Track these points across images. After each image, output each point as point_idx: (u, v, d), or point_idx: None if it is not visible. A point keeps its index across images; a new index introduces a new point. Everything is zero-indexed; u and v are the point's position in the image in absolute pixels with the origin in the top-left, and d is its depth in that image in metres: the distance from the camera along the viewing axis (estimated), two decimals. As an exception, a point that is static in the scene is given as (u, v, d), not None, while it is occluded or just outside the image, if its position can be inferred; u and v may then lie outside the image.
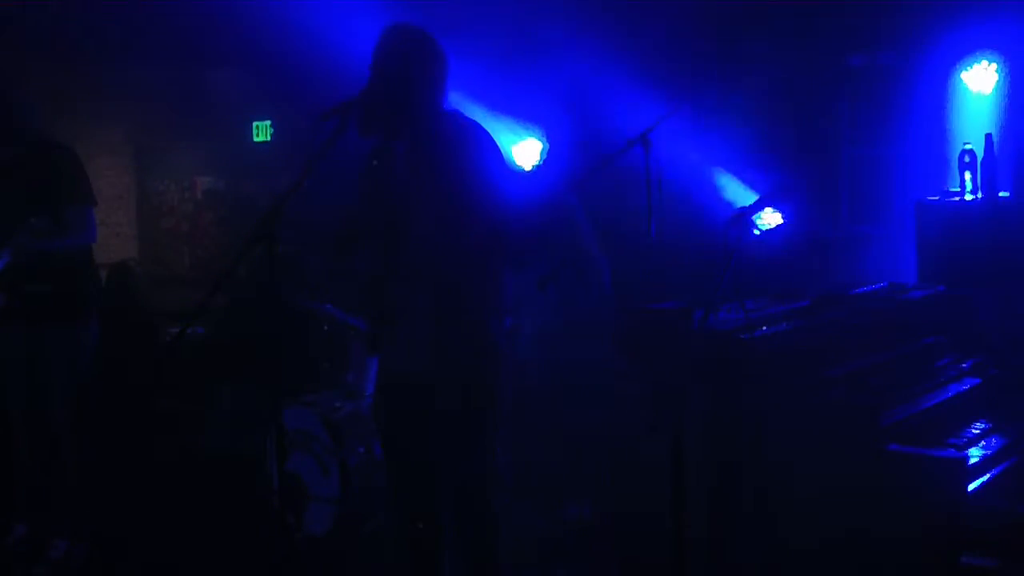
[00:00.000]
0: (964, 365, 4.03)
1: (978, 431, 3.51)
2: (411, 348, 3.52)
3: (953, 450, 3.27)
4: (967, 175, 5.36)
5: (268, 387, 2.89)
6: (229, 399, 5.93)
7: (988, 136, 5.30)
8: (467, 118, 3.60)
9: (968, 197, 5.34)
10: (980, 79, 5.65)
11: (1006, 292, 4.69)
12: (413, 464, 3.65)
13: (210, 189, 8.25)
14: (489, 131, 3.57)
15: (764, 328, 3.67)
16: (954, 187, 5.46)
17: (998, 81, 5.62)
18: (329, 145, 2.93)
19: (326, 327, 5.44)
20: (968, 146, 5.37)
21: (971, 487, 3.21)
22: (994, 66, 5.62)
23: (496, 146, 3.58)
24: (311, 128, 2.98)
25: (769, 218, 5.51)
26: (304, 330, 5.48)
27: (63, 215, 4.47)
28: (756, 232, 5.57)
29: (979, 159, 5.31)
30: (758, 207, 3.46)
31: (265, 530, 4.95)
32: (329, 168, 2.98)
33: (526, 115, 6.73)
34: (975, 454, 3.33)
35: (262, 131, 8.12)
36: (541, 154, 6.86)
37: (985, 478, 3.30)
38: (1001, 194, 5.28)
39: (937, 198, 5.50)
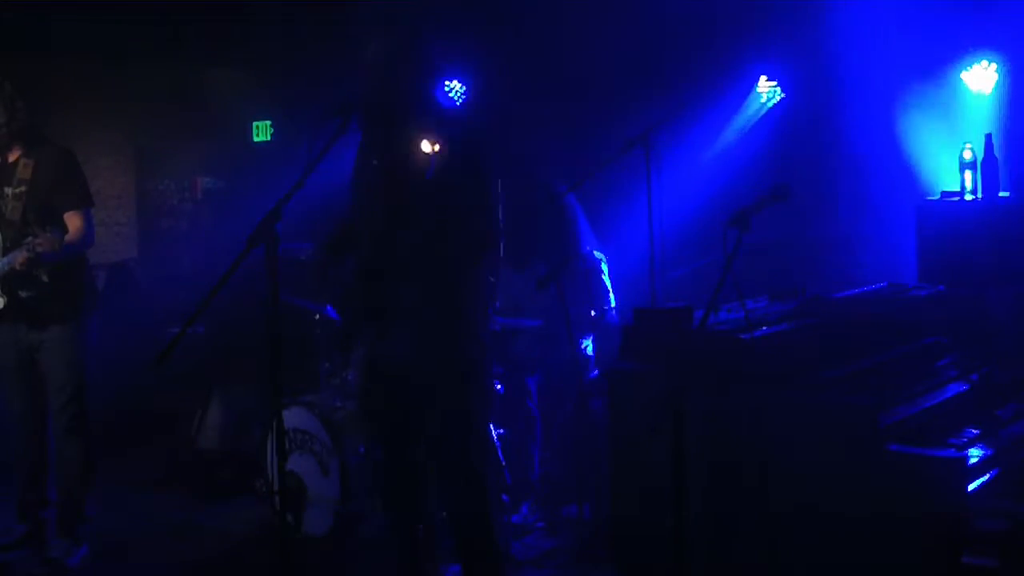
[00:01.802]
0: (964, 365, 4.03)
1: (978, 431, 3.50)
2: (402, 340, 3.53)
3: (953, 450, 3.27)
4: (967, 175, 5.36)
5: (268, 387, 2.87)
6: (229, 399, 5.92)
7: (988, 136, 5.29)
8: (464, 117, 3.61)
9: (968, 197, 5.34)
10: (980, 78, 5.65)
11: (1007, 292, 4.68)
12: (401, 447, 3.67)
13: (210, 189, 8.24)
14: (486, 131, 3.58)
15: (764, 328, 3.67)
16: (954, 187, 5.46)
17: (998, 81, 5.62)
18: (330, 145, 2.94)
19: (327, 328, 5.44)
20: (968, 146, 5.37)
21: (971, 487, 3.21)
22: (994, 66, 5.62)
23: (492, 146, 3.59)
24: (311, 128, 2.98)
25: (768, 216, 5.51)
26: (304, 330, 5.48)
27: (62, 219, 4.48)
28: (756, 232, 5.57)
29: (979, 159, 5.30)
30: (758, 207, 3.45)
31: (265, 530, 4.95)
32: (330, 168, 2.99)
33: (527, 115, 6.73)
34: (975, 454, 3.32)
35: (262, 131, 8.11)
36: (541, 154, 6.86)
37: (985, 478, 3.30)
38: (1001, 194, 5.27)
39: (937, 198, 5.50)
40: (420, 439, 3.65)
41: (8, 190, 4.46)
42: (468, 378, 3.60)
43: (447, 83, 6.85)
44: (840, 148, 6.08)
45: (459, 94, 6.93)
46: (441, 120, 3.56)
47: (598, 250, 5.44)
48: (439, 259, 3.49)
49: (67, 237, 4.44)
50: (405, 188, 3.52)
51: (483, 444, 3.75)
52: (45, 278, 4.43)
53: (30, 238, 4.26)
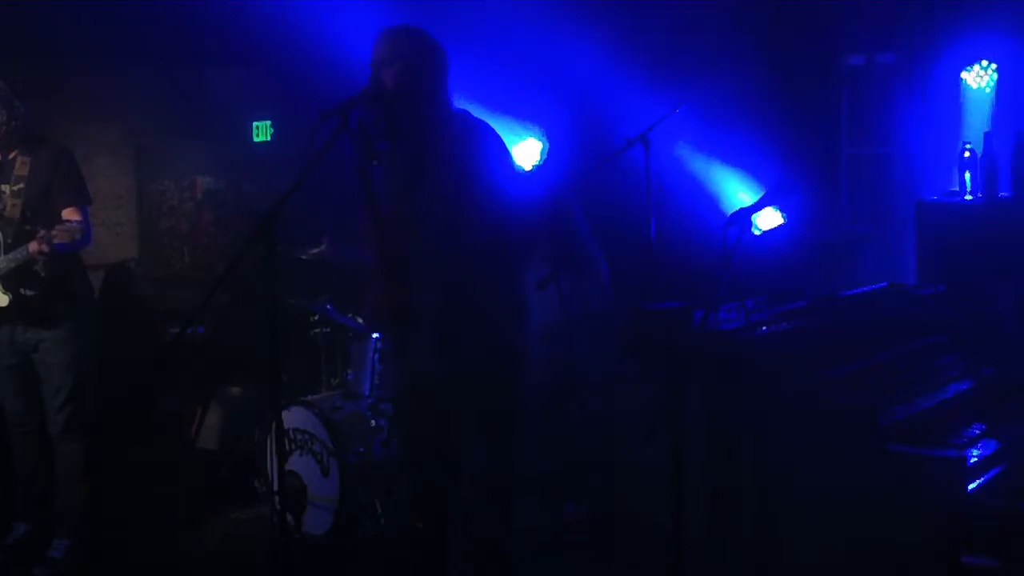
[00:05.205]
0: (964, 365, 4.03)
1: (978, 431, 3.51)
2: (426, 349, 3.52)
3: (953, 450, 3.27)
4: (967, 175, 5.36)
5: (268, 387, 2.88)
6: (229, 399, 5.92)
7: (988, 136, 5.29)
8: (474, 118, 3.59)
9: (968, 197, 5.34)
10: (980, 79, 5.65)
11: (1007, 290, 4.68)
12: (431, 463, 3.65)
13: (210, 189, 8.23)
14: (496, 131, 3.56)
15: (764, 328, 3.67)
16: (954, 187, 5.46)
17: (998, 81, 5.62)
18: (330, 145, 2.93)
19: (326, 328, 5.45)
20: (968, 146, 5.37)
21: (971, 487, 3.21)
22: (994, 66, 5.62)
23: (503, 145, 3.57)
24: (311, 128, 2.97)
25: (769, 218, 5.52)
26: (304, 330, 5.48)
27: (60, 217, 4.47)
28: (756, 232, 5.59)
29: (979, 159, 5.31)
30: (758, 207, 3.45)
31: (265, 530, 4.95)
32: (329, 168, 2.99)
33: (526, 115, 6.73)
34: (975, 454, 3.33)
35: (262, 131, 8.11)
36: (541, 154, 6.86)
37: (985, 478, 3.30)
38: (1001, 194, 5.28)
39: (937, 198, 5.50)
40: (452, 443, 3.62)
41: (6, 187, 4.46)
42: (495, 387, 3.54)
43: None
44: (840, 147, 6.09)
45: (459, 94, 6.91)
46: (448, 117, 3.54)
47: (595, 249, 5.43)
48: (458, 261, 3.46)
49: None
50: (414, 191, 3.50)
51: (511, 450, 3.70)
52: (43, 273, 4.43)
53: (43, 231, 4.25)
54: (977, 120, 5.59)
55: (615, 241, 5.64)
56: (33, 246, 4.27)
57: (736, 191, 6.15)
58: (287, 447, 4.96)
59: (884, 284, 4.59)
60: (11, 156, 4.50)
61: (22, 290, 4.44)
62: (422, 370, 3.55)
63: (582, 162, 5.61)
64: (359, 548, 4.81)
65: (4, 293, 4.44)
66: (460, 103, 3.63)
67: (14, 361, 4.60)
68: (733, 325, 3.67)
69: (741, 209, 3.42)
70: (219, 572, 4.75)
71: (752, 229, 4.11)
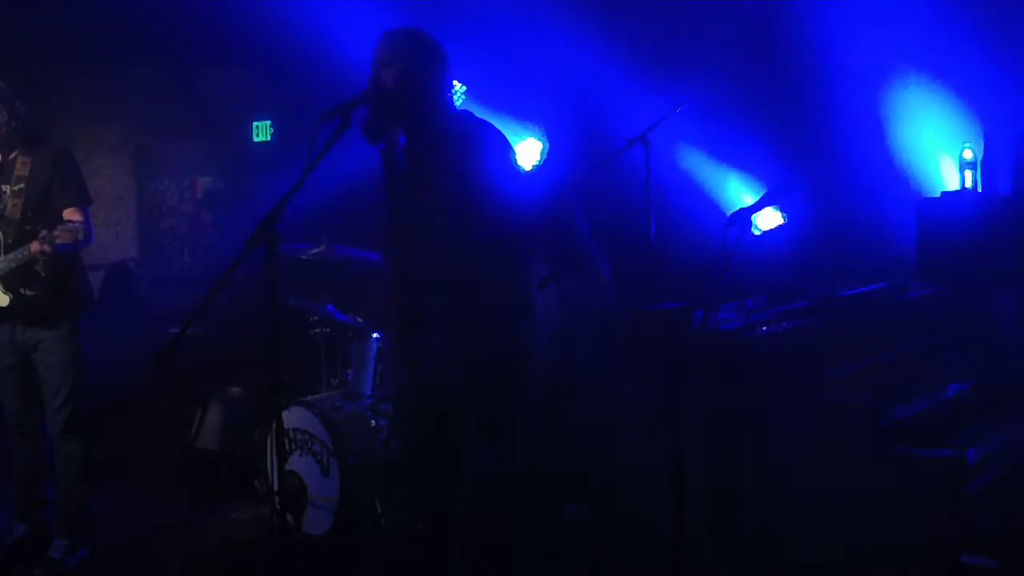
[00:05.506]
0: (964, 365, 4.04)
1: (978, 431, 3.51)
2: (432, 353, 3.52)
3: (953, 450, 3.27)
4: (967, 174, 5.36)
5: (268, 387, 2.88)
6: (229, 399, 5.93)
7: (988, 136, 5.29)
8: (476, 118, 3.58)
9: (968, 197, 5.34)
10: (978, 79, 5.65)
11: (1008, 291, 4.68)
12: (431, 464, 3.66)
13: (210, 189, 8.24)
14: (500, 131, 3.56)
15: (764, 328, 3.68)
16: (954, 187, 5.46)
17: (997, 81, 5.62)
18: (330, 145, 2.93)
19: (327, 328, 5.45)
20: (968, 146, 5.37)
21: (971, 487, 3.21)
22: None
23: (506, 145, 3.56)
24: (311, 128, 2.97)
25: (769, 218, 5.52)
26: (304, 330, 5.48)
27: (61, 217, 4.47)
28: (756, 232, 5.59)
29: (979, 159, 5.30)
30: (758, 207, 3.45)
31: (265, 530, 4.96)
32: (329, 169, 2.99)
33: (526, 115, 6.73)
34: (975, 454, 3.33)
35: (262, 131, 8.11)
36: (541, 154, 6.87)
37: (985, 478, 3.31)
38: (1001, 193, 5.28)
39: (937, 197, 5.50)
40: (452, 443, 3.62)
41: (6, 187, 4.46)
42: (498, 388, 3.52)
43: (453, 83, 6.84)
44: (839, 147, 6.08)
45: (461, 94, 6.92)
46: (449, 118, 3.54)
47: (596, 249, 5.43)
48: (460, 262, 3.46)
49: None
50: (416, 191, 3.50)
51: (511, 451, 3.70)
52: (43, 273, 4.43)
53: (45, 231, 4.25)
54: (977, 120, 5.59)
55: (615, 241, 5.64)
56: (35, 246, 4.28)
57: (736, 191, 6.15)
58: (287, 447, 4.96)
59: (884, 284, 4.59)
60: (11, 156, 4.50)
61: (23, 290, 4.44)
62: (425, 371, 3.55)
63: (582, 162, 5.60)
64: (359, 548, 4.81)
65: (5, 293, 4.44)
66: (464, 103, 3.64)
67: (14, 361, 4.60)
68: (733, 325, 3.67)
69: (741, 209, 3.41)
70: (219, 572, 4.75)
71: (752, 229, 4.11)
